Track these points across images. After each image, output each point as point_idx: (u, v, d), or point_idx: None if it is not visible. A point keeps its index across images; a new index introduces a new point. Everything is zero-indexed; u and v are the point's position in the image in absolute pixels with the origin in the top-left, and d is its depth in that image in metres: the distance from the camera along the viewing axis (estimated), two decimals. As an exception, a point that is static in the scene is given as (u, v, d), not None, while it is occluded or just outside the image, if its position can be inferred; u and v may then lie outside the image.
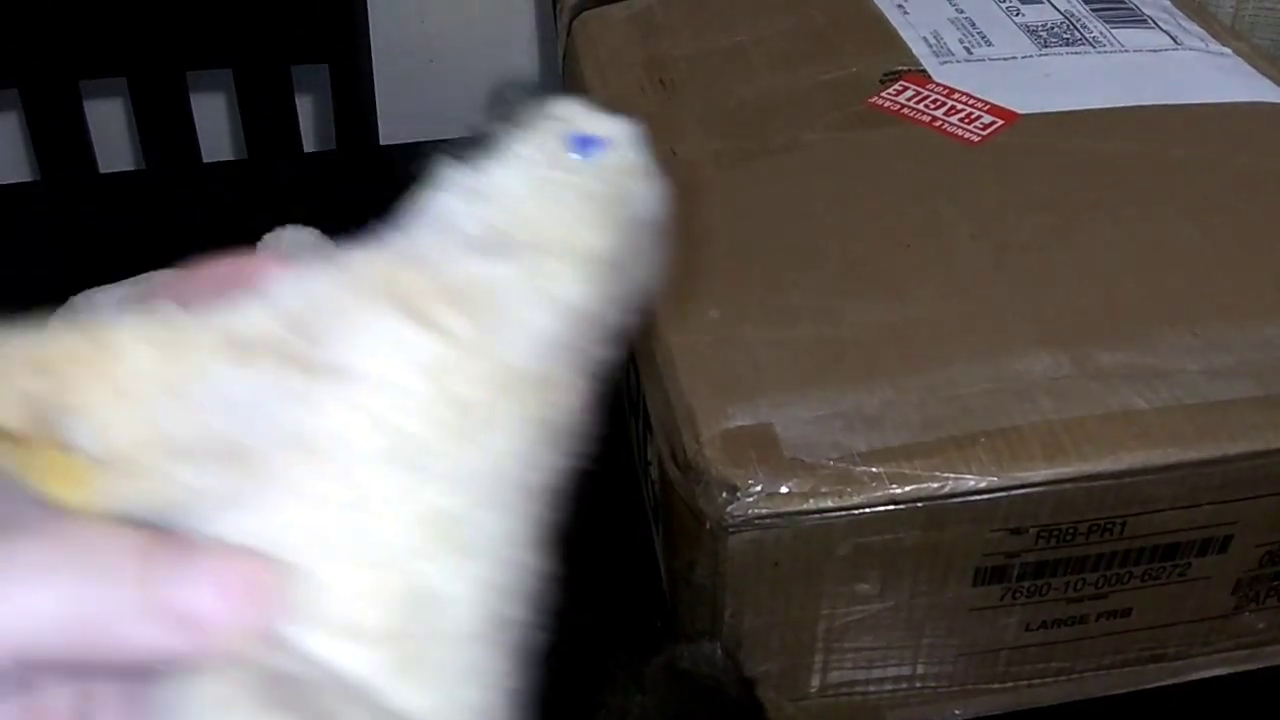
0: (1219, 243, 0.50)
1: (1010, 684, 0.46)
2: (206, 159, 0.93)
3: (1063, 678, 0.46)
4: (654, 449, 0.48)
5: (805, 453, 0.41)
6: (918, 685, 0.45)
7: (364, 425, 0.19)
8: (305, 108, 0.95)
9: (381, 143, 0.92)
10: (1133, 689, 0.46)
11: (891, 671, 0.44)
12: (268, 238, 0.66)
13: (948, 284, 0.48)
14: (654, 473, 0.49)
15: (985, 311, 0.46)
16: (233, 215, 0.68)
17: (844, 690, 0.45)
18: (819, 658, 0.44)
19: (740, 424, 0.42)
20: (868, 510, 0.40)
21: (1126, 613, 0.44)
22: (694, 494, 0.42)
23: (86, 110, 0.91)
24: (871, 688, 0.45)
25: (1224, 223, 0.51)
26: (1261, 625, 0.47)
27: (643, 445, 0.52)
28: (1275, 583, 0.45)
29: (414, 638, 0.18)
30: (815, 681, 0.44)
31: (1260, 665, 0.47)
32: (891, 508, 0.40)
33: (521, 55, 0.97)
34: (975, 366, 0.43)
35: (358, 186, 0.88)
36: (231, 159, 0.97)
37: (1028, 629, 0.44)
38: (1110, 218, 0.50)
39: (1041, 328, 0.44)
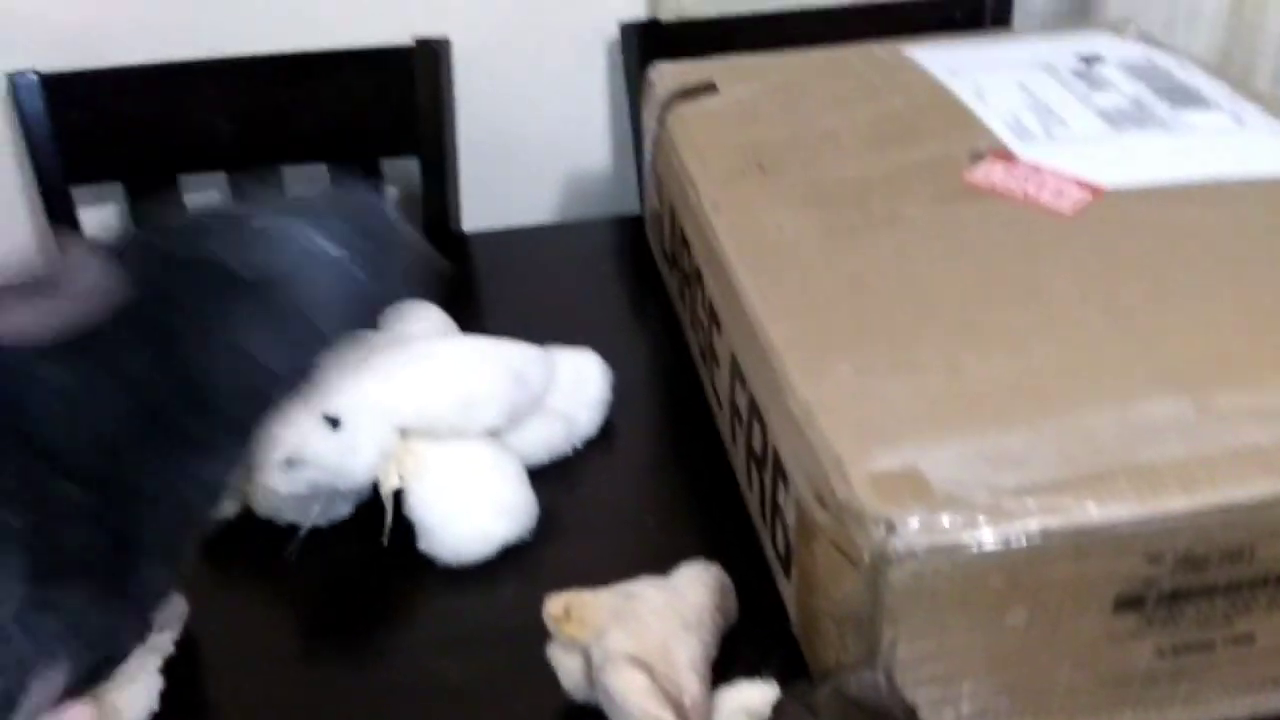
0: (1307, 300, 0.54)
1: (1140, 709, 0.48)
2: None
3: (1190, 703, 0.48)
4: (789, 497, 0.52)
5: (956, 489, 0.44)
6: (1055, 713, 0.48)
7: None
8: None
9: (464, 229, 0.97)
10: (1257, 714, 0.49)
11: (1032, 701, 0.47)
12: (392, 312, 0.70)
13: (1063, 338, 0.51)
14: (788, 519, 0.52)
15: (1103, 361, 0.50)
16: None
17: (986, 718, 0.47)
18: (967, 687, 0.46)
19: (887, 466, 0.46)
20: (1021, 541, 0.43)
21: (1251, 638, 0.47)
22: (848, 533, 0.45)
23: (186, 203, 0.96)
24: (1014, 718, 0.47)
25: (1310, 281, 0.55)
26: (1374, 655, 0.49)
27: (770, 496, 0.56)
28: (1388, 612, 0.48)
29: None
30: (965, 709, 0.47)
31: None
32: (1042, 539, 0.43)
33: (595, 149, 1.02)
34: (1103, 410, 0.47)
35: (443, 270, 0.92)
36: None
37: (1160, 655, 0.47)
38: (1206, 280, 0.55)
39: (1160, 374, 0.48)
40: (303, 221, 0.41)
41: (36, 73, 0.95)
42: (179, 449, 0.39)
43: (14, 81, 0.95)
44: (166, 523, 0.40)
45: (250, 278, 0.39)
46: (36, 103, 0.96)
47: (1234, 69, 1.06)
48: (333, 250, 0.41)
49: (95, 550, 0.36)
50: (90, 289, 0.36)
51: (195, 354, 0.38)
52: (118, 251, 0.37)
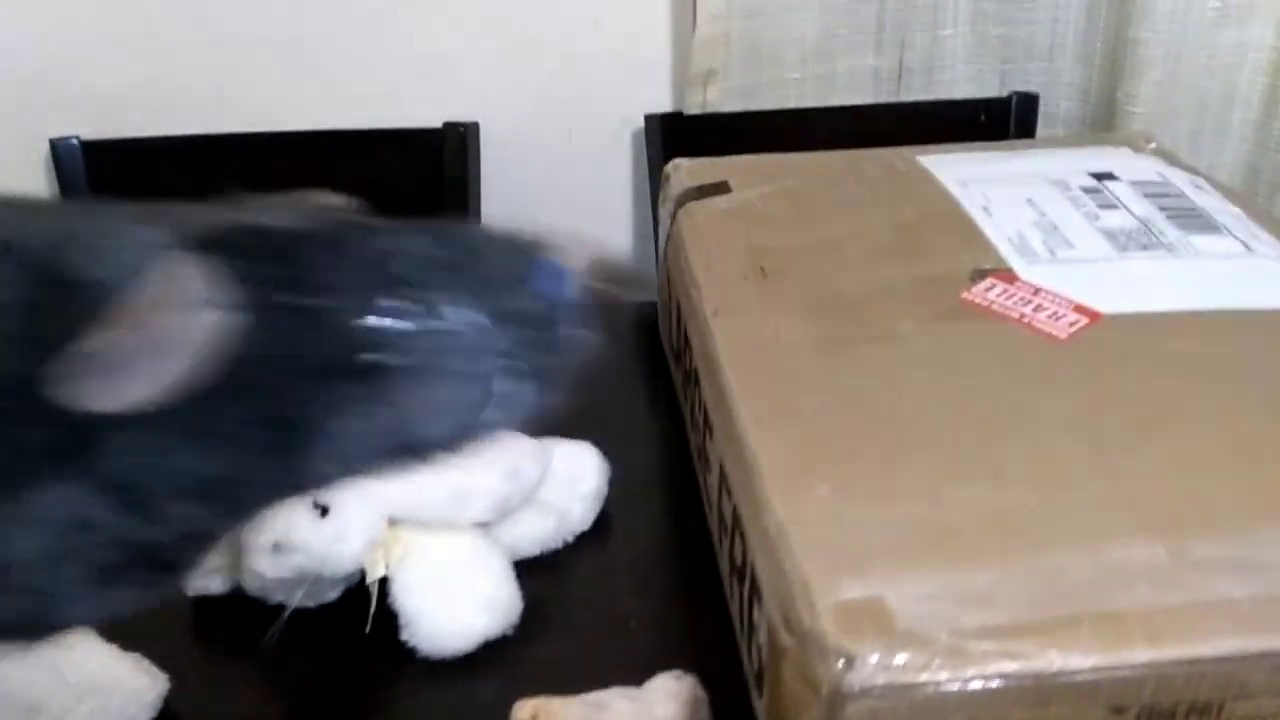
0: (1300, 442, 0.53)
1: None
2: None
3: None
4: (763, 615, 0.51)
5: (918, 626, 0.44)
6: None
7: None
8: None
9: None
10: None
11: (994, 844, 0.46)
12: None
13: (1045, 472, 0.51)
14: (761, 638, 0.52)
15: (1083, 500, 0.49)
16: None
17: None
18: (925, 827, 0.46)
19: (854, 596, 0.46)
20: (979, 684, 0.42)
21: (1223, 796, 0.46)
22: (810, 661, 0.45)
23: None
24: None
25: (1303, 423, 0.54)
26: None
27: (747, 610, 0.55)
28: (1368, 774, 0.47)
29: None
30: None
31: None
32: (1002, 683, 0.42)
33: (617, 235, 1.04)
34: (1076, 552, 0.46)
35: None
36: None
37: (1127, 808, 0.46)
38: (1196, 416, 0.54)
39: (1138, 518, 0.48)
40: (458, 298, 0.36)
41: (79, 139, 0.99)
42: (248, 509, 0.39)
43: (56, 146, 0.98)
44: (201, 554, 0.40)
45: (368, 365, 0.35)
46: (77, 167, 0.99)
47: (1261, 183, 1.06)
48: (489, 356, 0.36)
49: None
50: (200, 348, 0.33)
51: (290, 427, 0.36)
52: (234, 295, 0.34)
